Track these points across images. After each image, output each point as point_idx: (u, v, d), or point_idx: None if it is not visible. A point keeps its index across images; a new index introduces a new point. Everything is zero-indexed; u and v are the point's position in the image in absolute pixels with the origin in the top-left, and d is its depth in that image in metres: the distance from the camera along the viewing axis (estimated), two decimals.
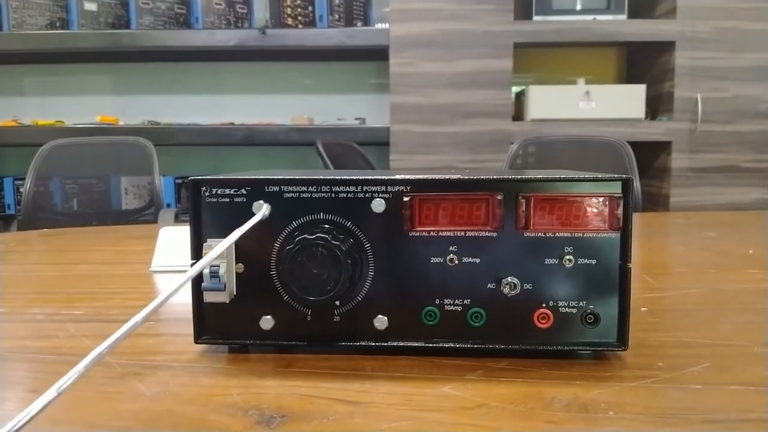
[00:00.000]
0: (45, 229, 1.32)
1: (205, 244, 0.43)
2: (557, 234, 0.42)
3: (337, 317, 0.43)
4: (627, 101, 2.38)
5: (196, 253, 0.43)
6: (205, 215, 0.43)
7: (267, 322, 0.43)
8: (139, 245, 1.01)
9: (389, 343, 0.43)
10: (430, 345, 0.43)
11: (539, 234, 0.42)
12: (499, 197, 0.42)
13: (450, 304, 0.43)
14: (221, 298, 0.42)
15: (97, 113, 2.75)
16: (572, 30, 2.38)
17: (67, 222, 2.00)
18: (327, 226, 0.42)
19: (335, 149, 2.21)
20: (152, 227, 1.18)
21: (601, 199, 0.41)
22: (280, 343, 0.44)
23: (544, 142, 1.82)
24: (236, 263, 0.43)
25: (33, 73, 2.93)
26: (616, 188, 0.41)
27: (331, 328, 0.43)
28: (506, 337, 0.43)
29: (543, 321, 0.42)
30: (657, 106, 2.48)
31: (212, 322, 0.44)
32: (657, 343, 0.46)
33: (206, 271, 0.42)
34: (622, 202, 0.41)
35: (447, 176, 0.42)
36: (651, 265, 0.78)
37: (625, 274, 0.42)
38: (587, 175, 0.41)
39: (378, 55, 2.49)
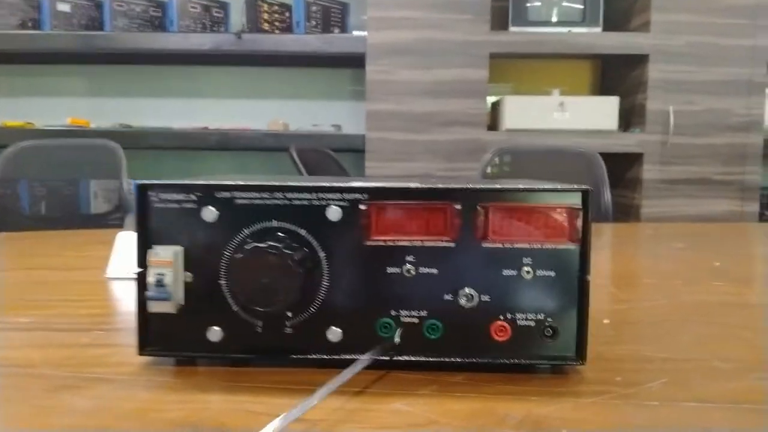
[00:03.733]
0: (9, 233, 1.28)
1: (150, 251, 0.41)
2: (516, 245, 0.41)
3: (289, 329, 0.42)
4: (600, 113, 2.40)
5: (142, 261, 0.41)
6: (152, 221, 0.42)
7: (215, 333, 0.42)
8: (101, 250, 0.98)
9: (343, 356, 0.41)
10: (385, 359, 0.41)
11: (498, 245, 0.41)
12: (458, 207, 0.40)
13: (406, 316, 0.42)
14: (167, 308, 0.41)
15: (69, 115, 2.70)
16: (548, 42, 2.40)
17: (35, 225, 1.96)
18: (280, 234, 0.41)
19: (309, 155, 2.20)
20: (118, 232, 1.15)
21: (560, 210, 0.40)
22: (228, 356, 0.42)
23: (518, 152, 1.82)
24: (185, 271, 0.42)
25: (3, 74, 2.87)
26: (575, 199, 0.40)
27: (282, 340, 0.42)
28: (463, 350, 0.41)
29: (501, 334, 0.41)
30: (630, 118, 2.50)
31: (157, 334, 0.42)
32: (616, 357, 0.45)
33: (151, 279, 0.40)
34: (581, 214, 0.40)
35: (405, 185, 0.41)
36: (618, 276, 0.78)
37: (584, 286, 0.41)
38: (546, 185, 0.40)
39: (355, 62, 2.48)
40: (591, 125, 2.37)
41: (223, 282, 0.41)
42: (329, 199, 0.41)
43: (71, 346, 0.47)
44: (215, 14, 2.61)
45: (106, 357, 0.45)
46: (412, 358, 0.41)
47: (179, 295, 0.41)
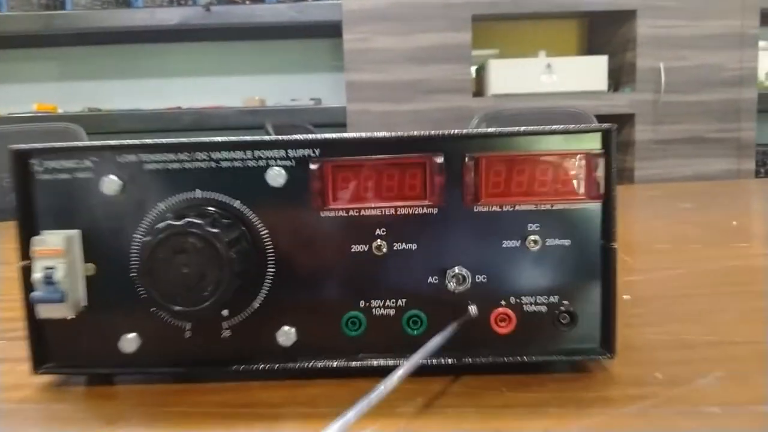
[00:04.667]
0: None
1: (35, 238, 0.31)
2: (518, 207, 0.31)
3: (227, 332, 0.32)
4: (589, 73, 2.30)
5: (25, 251, 0.31)
6: (36, 198, 0.31)
7: (130, 342, 0.32)
8: None
9: (299, 364, 0.32)
10: (355, 364, 0.32)
11: (494, 208, 0.31)
12: (439, 160, 0.30)
13: (379, 307, 0.32)
14: (62, 312, 0.31)
15: (35, 101, 2.57)
16: (532, 1, 2.28)
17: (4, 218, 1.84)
18: (206, 207, 0.31)
19: (288, 131, 2.08)
20: None
21: (575, 159, 0.30)
22: (149, 371, 0.32)
23: (506, 117, 1.72)
24: (85, 263, 0.32)
25: None
26: (594, 143, 0.31)
27: (218, 347, 0.32)
28: (455, 347, 0.32)
29: (503, 324, 0.32)
30: (619, 77, 2.40)
31: (55, 345, 0.32)
32: (649, 344, 0.36)
33: (37, 275, 0.30)
34: (602, 161, 0.30)
35: (368, 135, 0.31)
36: (627, 242, 0.68)
37: (609, 257, 0.31)
38: (556, 126, 0.31)
39: (331, 31, 2.36)
40: (580, 86, 2.27)
41: (135, 274, 0.31)
42: (269, 159, 0.31)
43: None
44: None
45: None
46: (389, 362, 0.32)
47: (78, 294, 0.31)
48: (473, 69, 2.36)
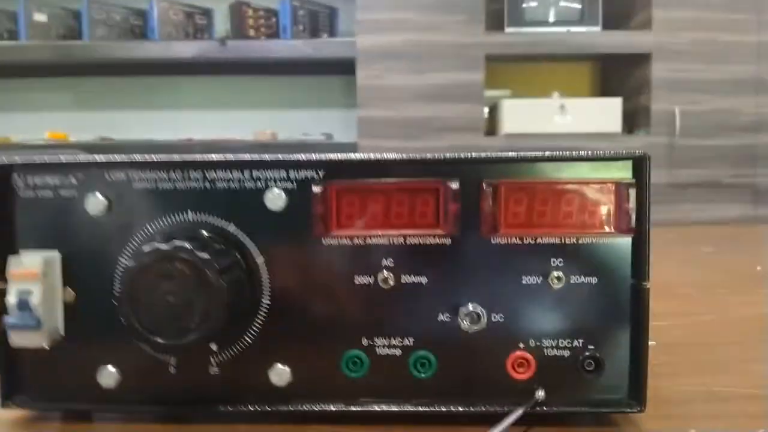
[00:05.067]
0: None
1: (12, 258, 0.28)
2: (540, 240, 0.28)
3: (215, 368, 0.29)
4: (603, 115, 2.29)
5: (1, 272, 0.28)
6: (17, 216, 0.29)
7: (109, 376, 0.29)
8: None
9: (293, 407, 0.29)
10: (355, 409, 0.29)
11: (514, 240, 0.28)
12: (455, 186, 0.28)
13: (384, 346, 0.29)
14: (36, 340, 0.28)
15: (48, 129, 2.58)
16: (546, 42, 2.29)
17: None
18: (198, 231, 0.28)
19: None
20: None
21: (604, 188, 0.28)
22: (130, 408, 0.29)
23: None
24: (64, 288, 0.29)
25: None
26: (625, 171, 0.28)
27: (206, 384, 0.29)
28: (467, 394, 0.29)
29: (521, 369, 0.29)
30: (634, 120, 2.38)
31: (28, 377, 0.29)
32: (681, 397, 0.32)
33: (12, 299, 0.28)
34: (634, 192, 0.28)
35: (377, 156, 0.28)
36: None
37: (640, 297, 0.28)
38: (583, 152, 0.28)
39: (345, 68, 2.37)
40: (594, 128, 2.25)
41: (119, 304, 0.28)
42: (268, 179, 0.28)
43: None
44: (198, 21, 2.49)
45: None
46: (393, 408, 0.29)
47: (55, 323, 0.29)
48: (486, 109, 2.35)
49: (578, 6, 2.35)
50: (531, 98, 2.38)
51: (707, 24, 2.26)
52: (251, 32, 2.44)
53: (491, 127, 2.41)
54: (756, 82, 2.28)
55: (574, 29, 2.31)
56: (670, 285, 0.67)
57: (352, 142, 2.33)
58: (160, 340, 0.26)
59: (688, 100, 2.27)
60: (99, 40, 2.48)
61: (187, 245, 0.26)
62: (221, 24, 2.54)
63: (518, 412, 0.27)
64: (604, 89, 2.61)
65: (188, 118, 2.71)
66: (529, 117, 2.29)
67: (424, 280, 0.29)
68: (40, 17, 2.54)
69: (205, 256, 0.26)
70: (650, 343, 0.41)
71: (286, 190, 0.28)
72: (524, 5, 2.34)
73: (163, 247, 0.26)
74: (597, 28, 2.32)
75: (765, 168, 2.30)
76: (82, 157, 0.28)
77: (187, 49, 2.40)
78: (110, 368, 0.29)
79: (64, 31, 2.55)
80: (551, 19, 2.35)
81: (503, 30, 2.32)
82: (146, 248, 0.26)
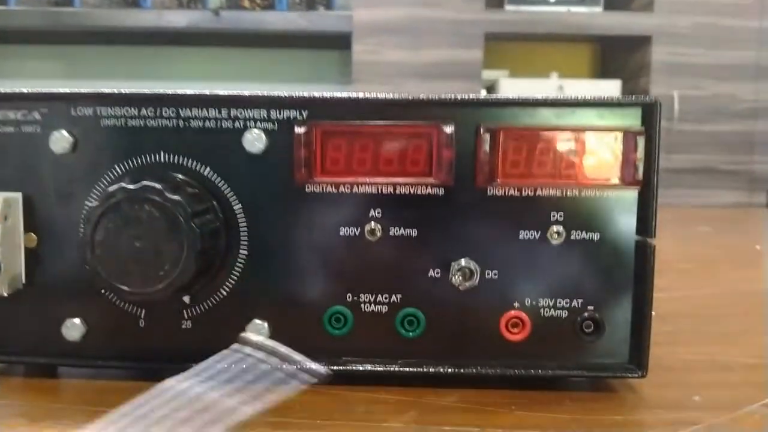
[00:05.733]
0: None
1: None
2: (540, 191, 0.26)
3: (187, 322, 0.27)
4: None
5: None
6: None
7: (74, 328, 0.27)
8: None
9: None
10: (337, 368, 0.27)
11: (511, 191, 0.26)
12: (449, 130, 0.26)
13: (369, 303, 0.27)
14: None
15: None
16: (545, 21, 2.26)
17: None
18: (170, 173, 0.26)
19: None
20: None
21: (609, 136, 0.26)
22: (95, 364, 0.27)
23: None
24: (26, 232, 0.27)
25: None
26: (633, 119, 0.26)
27: (177, 340, 0.27)
28: (456, 355, 0.27)
29: (515, 330, 0.27)
30: None
31: None
32: (684, 365, 0.31)
33: None
34: (642, 141, 0.26)
35: (366, 95, 0.26)
36: None
37: (645, 255, 0.26)
38: (589, 96, 0.26)
39: (340, 43, 2.33)
40: None
41: (82, 249, 0.26)
42: (247, 119, 0.26)
43: None
44: None
45: None
46: (378, 368, 0.27)
47: (16, 269, 0.27)
48: (484, 87, 2.32)
49: None
50: (529, 78, 2.35)
51: (709, 8, 2.23)
52: (246, 3, 2.39)
53: None
54: (756, 68, 2.26)
55: (574, 9, 2.28)
56: (668, 260, 0.65)
57: None
58: (126, 289, 0.24)
59: (687, 85, 2.25)
60: (91, 7, 2.43)
61: (157, 185, 0.24)
62: None
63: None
64: (603, 71, 2.59)
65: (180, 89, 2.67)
66: None
67: (413, 232, 0.27)
68: None
69: (176, 198, 0.24)
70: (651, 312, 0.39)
71: (266, 131, 0.26)
72: None
73: (131, 186, 0.24)
74: (598, 9, 2.29)
75: (762, 155, 2.28)
76: (46, 90, 0.26)
77: (179, 19, 2.35)
78: (75, 320, 0.27)
79: None
80: None
81: (503, 7, 2.29)
82: (112, 188, 0.24)
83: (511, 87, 2.27)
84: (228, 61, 2.64)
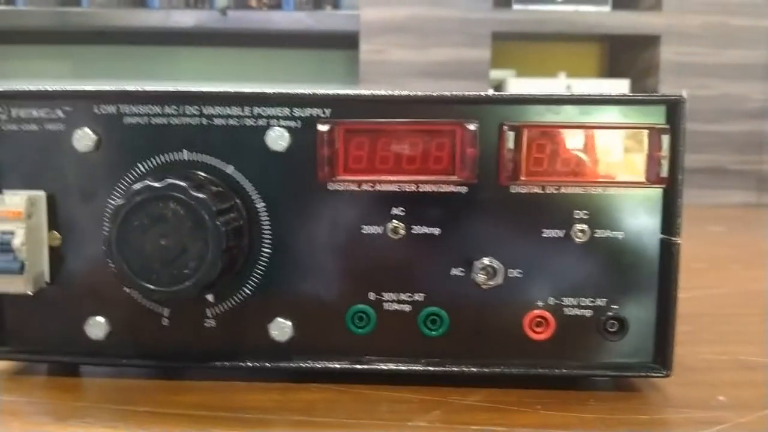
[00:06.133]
0: None
1: None
2: (564, 189, 0.26)
3: (211, 321, 0.27)
4: None
5: None
6: (0, 152, 0.27)
7: (98, 327, 0.27)
8: None
9: (294, 364, 0.27)
10: (360, 367, 0.27)
11: (535, 189, 0.26)
12: (473, 128, 0.26)
13: (392, 302, 0.27)
14: (19, 285, 0.26)
15: None
16: (553, 20, 2.25)
17: None
18: (193, 171, 0.26)
19: None
20: None
21: (634, 134, 0.26)
22: (119, 362, 0.27)
23: None
24: (50, 231, 0.27)
25: None
26: (658, 116, 0.26)
27: (201, 338, 0.27)
28: (480, 354, 0.27)
29: (539, 329, 0.27)
30: None
31: (12, 326, 0.27)
32: (706, 364, 0.31)
33: None
34: (668, 138, 0.25)
35: (389, 93, 0.26)
36: None
37: (670, 253, 0.26)
38: (613, 93, 0.26)
39: (347, 43, 2.33)
40: None
41: (107, 247, 0.26)
42: (270, 117, 0.26)
43: None
44: None
45: None
46: (402, 367, 0.27)
47: (40, 267, 0.27)
48: (491, 88, 2.32)
49: None
50: (537, 78, 2.35)
51: (718, 7, 2.22)
52: (253, 2, 2.39)
53: None
54: (765, 68, 2.25)
55: (582, 8, 2.27)
56: (682, 259, 0.65)
57: None
58: (151, 287, 0.24)
59: (696, 85, 2.24)
60: (98, 7, 2.44)
61: (182, 183, 0.24)
62: None
63: None
64: (611, 71, 2.58)
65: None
66: None
67: (437, 230, 0.26)
68: None
69: (201, 196, 0.24)
70: None
71: (289, 129, 0.26)
72: None
73: (156, 185, 0.24)
74: (606, 8, 2.28)
75: None
76: (70, 87, 0.26)
77: (186, 19, 2.35)
78: (99, 318, 0.27)
79: None
80: None
81: (510, 6, 2.28)
82: (137, 186, 0.24)
83: (518, 87, 2.26)
84: (235, 61, 2.65)
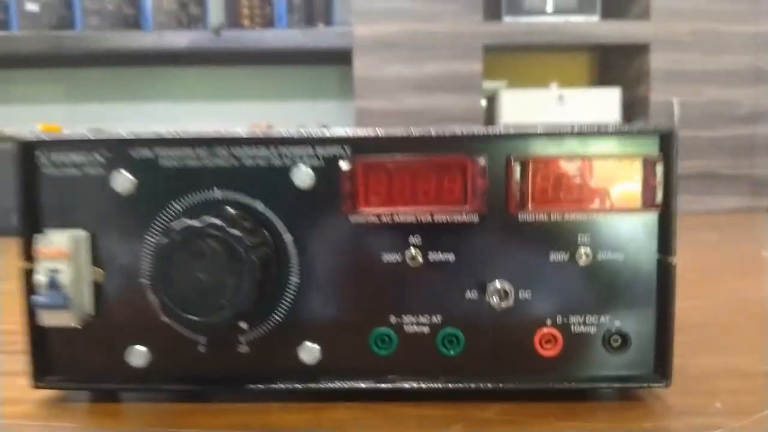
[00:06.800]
0: None
1: (39, 237, 0.28)
2: (567, 216, 0.28)
3: (244, 347, 0.29)
4: (601, 105, 2.29)
5: (27, 251, 0.28)
6: (42, 194, 0.29)
7: (139, 355, 0.29)
8: None
9: (322, 385, 0.29)
10: (384, 386, 0.29)
11: (541, 217, 0.28)
12: (482, 162, 0.28)
13: (412, 324, 0.29)
14: (66, 319, 0.28)
15: (40, 121, 2.56)
16: (544, 31, 2.28)
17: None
18: (226, 208, 0.28)
19: None
20: None
21: (630, 163, 0.28)
22: (158, 388, 0.29)
23: None
24: (93, 267, 0.29)
25: None
26: (652, 147, 0.28)
27: (235, 363, 0.29)
28: (494, 371, 0.29)
29: (548, 346, 0.29)
30: (632, 110, 2.39)
31: (58, 357, 0.29)
32: (703, 373, 0.33)
33: (40, 278, 0.28)
34: (661, 167, 0.28)
35: (404, 132, 0.28)
36: None
37: (667, 273, 0.28)
38: (610, 125, 0.28)
39: (340, 59, 2.36)
40: (592, 118, 2.26)
41: (146, 280, 0.28)
42: (296, 157, 0.28)
43: None
44: (192, 11, 2.47)
45: None
46: (422, 385, 0.29)
47: (84, 302, 0.29)
48: (484, 99, 2.35)
49: None
50: (529, 89, 2.38)
51: (706, 14, 2.26)
52: (246, 21, 2.42)
53: (489, 117, 2.41)
54: (754, 73, 2.29)
55: (572, 18, 2.31)
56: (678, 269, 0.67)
57: None
58: (193, 318, 0.26)
59: (686, 91, 2.27)
60: (92, 30, 2.46)
61: (219, 222, 0.26)
62: (215, 13, 2.52)
63: None
64: (602, 80, 2.62)
65: (182, 110, 2.69)
66: (528, 107, 2.29)
67: (451, 257, 0.29)
68: (31, 6, 2.52)
69: (236, 232, 0.26)
70: None
71: (313, 167, 0.28)
72: None
73: (195, 224, 0.26)
74: (595, 18, 2.32)
75: (763, 158, 2.31)
76: (108, 134, 0.28)
77: (180, 39, 2.38)
78: (139, 347, 0.29)
79: (56, 21, 2.53)
80: (549, 8, 2.34)
81: (501, 19, 2.32)
82: (177, 225, 0.26)
83: (510, 97, 2.30)
84: (230, 79, 2.67)
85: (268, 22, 2.40)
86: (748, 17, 2.26)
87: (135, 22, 2.48)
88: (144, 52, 2.42)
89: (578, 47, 2.55)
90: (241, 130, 0.29)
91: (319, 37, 2.35)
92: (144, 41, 2.36)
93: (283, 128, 0.28)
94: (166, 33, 2.36)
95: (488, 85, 2.38)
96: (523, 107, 2.29)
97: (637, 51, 2.31)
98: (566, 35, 2.28)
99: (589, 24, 2.29)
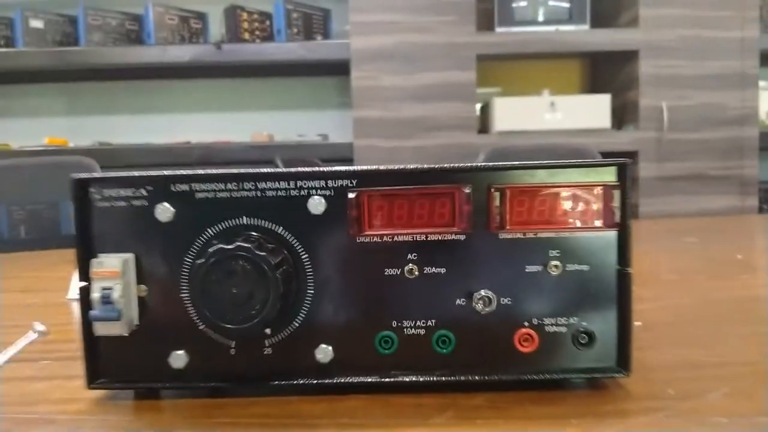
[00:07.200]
0: None
1: (94, 260, 0.33)
2: (540, 234, 0.34)
3: (269, 349, 0.34)
4: (592, 111, 2.35)
5: (84, 273, 0.34)
6: (95, 224, 0.34)
7: (179, 358, 0.34)
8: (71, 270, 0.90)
9: (335, 380, 0.34)
10: (387, 380, 0.34)
11: (518, 235, 0.34)
12: (467, 190, 0.33)
13: (410, 327, 0.34)
14: (117, 329, 0.33)
15: (46, 135, 2.62)
16: (535, 41, 2.34)
17: (15, 249, 1.87)
18: (252, 233, 0.33)
19: (297, 166, 2.12)
20: None
21: (593, 190, 0.33)
22: (197, 386, 0.35)
23: (512, 152, 1.76)
24: (138, 284, 0.34)
25: None
26: (610, 175, 0.33)
27: (261, 363, 0.34)
28: (481, 365, 0.34)
29: (526, 344, 0.34)
30: (622, 115, 2.45)
31: (108, 361, 0.35)
32: (662, 365, 0.38)
33: (96, 295, 0.33)
34: (618, 193, 0.33)
35: (401, 167, 0.34)
36: (635, 273, 0.70)
37: (625, 281, 0.33)
38: (575, 161, 0.33)
39: (339, 70, 2.42)
40: (583, 124, 2.32)
41: (185, 295, 0.34)
42: (310, 188, 0.34)
43: (10, 380, 0.39)
44: (193, 25, 2.53)
45: (51, 392, 0.37)
46: (420, 378, 0.34)
47: (132, 314, 0.34)
48: (478, 107, 2.41)
49: (567, 5, 2.41)
50: (522, 96, 2.44)
51: (693, 21, 2.32)
52: (246, 35, 2.48)
53: (483, 124, 2.46)
54: (741, 77, 2.35)
55: (563, 28, 2.37)
56: (655, 273, 0.72)
57: (347, 143, 2.38)
58: (227, 325, 0.31)
59: (675, 96, 2.33)
60: (95, 46, 2.52)
61: (248, 245, 0.31)
62: (216, 28, 2.58)
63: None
64: (593, 86, 2.68)
65: (185, 122, 2.75)
66: (521, 114, 2.34)
67: (443, 270, 0.34)
68: (36, 24, 2.57)
69: (263, 254, 0.31)
70: (636, 323, 0.47)
71: (325, 196, 0.33)
72: (514, 5, 2.40)
73: (228, 247, 0.31)
74: (585, 27, 2.38)
75: (751, 160, 2.37)
76: (151, 172, 0.33)
77: (182, 54, 2.43)
78: (179, 352, 0.34)
79: (60, 38, 2.59)
80: (540, 18, 2.40)
81: (494, 30, 2.38)
82: (212, 249, 0.31)
83: (504, 104, 2.35)
84: (232, 91, 2.73)
85: (268, 36, 2.46)
86: (734, 24, 2.32)
87: (137, 38, 2.54)
88: (147, 66, 2.48)
89: (569, 55, 2.61)
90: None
91: (318, 49, 2.41)
92: (147, 55, 2.42)
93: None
94: (169, 47, 2.42)
95: (482, 92, 2.44)
96: (516, 114, 2.34)
97: (626, 58, 2.37)
98: (557, 44, 2.34)
99: (579, 32, 2.35)
